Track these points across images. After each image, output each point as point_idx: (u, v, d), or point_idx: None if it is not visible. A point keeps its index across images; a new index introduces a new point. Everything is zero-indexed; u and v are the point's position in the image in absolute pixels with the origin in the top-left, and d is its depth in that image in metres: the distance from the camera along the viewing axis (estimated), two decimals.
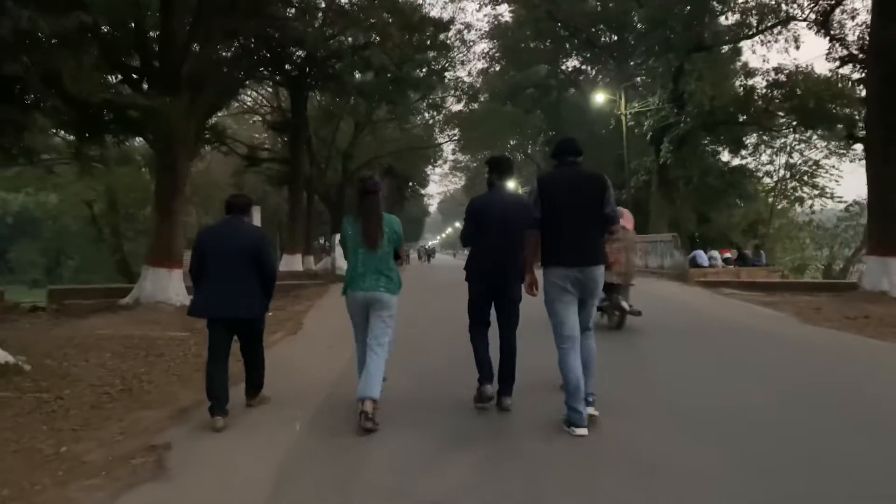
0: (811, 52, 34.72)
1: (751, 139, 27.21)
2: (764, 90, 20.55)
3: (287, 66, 21.43)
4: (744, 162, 27.63)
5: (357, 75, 21.16)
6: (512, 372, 4.64)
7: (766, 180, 28.90)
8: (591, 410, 4.13)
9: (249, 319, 4.74)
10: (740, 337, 7.80)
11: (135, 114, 9.59)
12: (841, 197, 27.30)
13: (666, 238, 17.22)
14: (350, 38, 20.70)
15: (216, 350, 4.69)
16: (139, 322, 10.32)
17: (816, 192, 27.89)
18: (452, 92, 30.71)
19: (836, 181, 27.51)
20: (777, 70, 19.78)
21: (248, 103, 32.46)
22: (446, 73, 24.74)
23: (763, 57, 28.80)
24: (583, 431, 3.97)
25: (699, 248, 20.75)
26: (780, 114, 20.63)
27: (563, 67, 35.69)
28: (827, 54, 16.41)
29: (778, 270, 21.85)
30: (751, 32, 20.30)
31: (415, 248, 62.19)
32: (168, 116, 9.12)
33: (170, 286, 11.38)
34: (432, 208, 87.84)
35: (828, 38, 15.29)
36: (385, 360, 4.50)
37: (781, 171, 29.12)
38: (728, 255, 21.62)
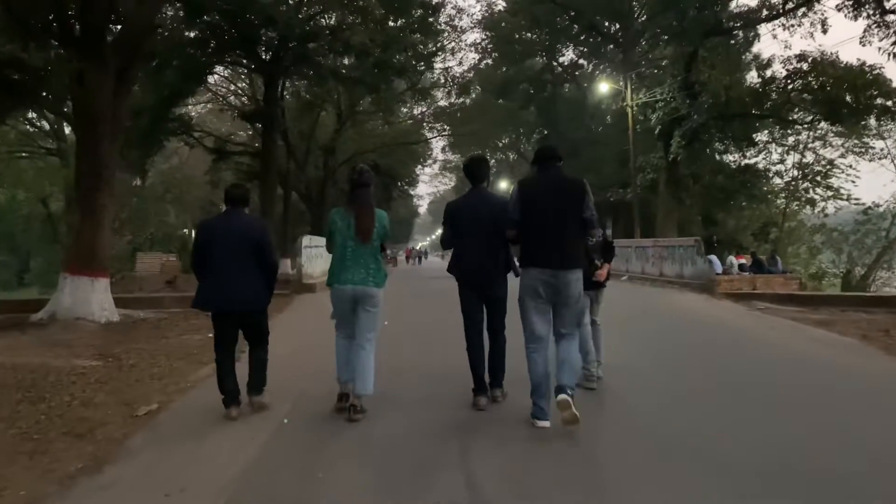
0: (831, 39, 32.82)
1: (761, 136, 25.41)
2: (784, 80, 18.65)
3: (259, 49, 19.40)
4: (753, 161, 25.78)
5: (336, 60, 19.11)
6: (502, 367, 4.77)
7: (777, 180, 27.10)
8: (563, 396, 4.02)
9: (252, 312, 4.66)
10: (821, 379, 5.83)
11: (14, 76, 7.48)
12: (858, 199, 25.57)
13: (686, 243, 15.21)
14: (329, 18, 18.74)
15: (222, 343, 4.68)
16: (46, 345, 8.26)
17: (830, 193, 26.12)
18: (442, 81, 28.64)
19: (853, 182, 25.81)
20: (800, 57, 17.90)
21: (231, 100, 30.36)
22: (435, 60, 22.64)
23: (785, 43, 26.87)
24: (545, 424, 4.11)
25: (713, 253, 18.83)
26: (803, 106, 18.73)
27: (560, 60, 33.88)
28: (863, 36, 14.60)
29: (796, 278, 19.95)
30: (774, 13, 18.38)
31: (402, 250, 59.76)
32: (76, 84, 7.03)
33: (93, 298, 9.29)
34: (422, 209, 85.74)
35: (879, 12, 13.39)
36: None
37: (793, 171, 27.36)
38: (743, 260, 19.77)
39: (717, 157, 23.79)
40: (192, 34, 18.31)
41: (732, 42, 20.61)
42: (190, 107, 37.41)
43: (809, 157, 26.85)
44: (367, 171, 4.71)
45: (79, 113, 8.84)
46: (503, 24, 31.89)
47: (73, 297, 9.21)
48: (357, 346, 4.51)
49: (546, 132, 34.15)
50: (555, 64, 34.20)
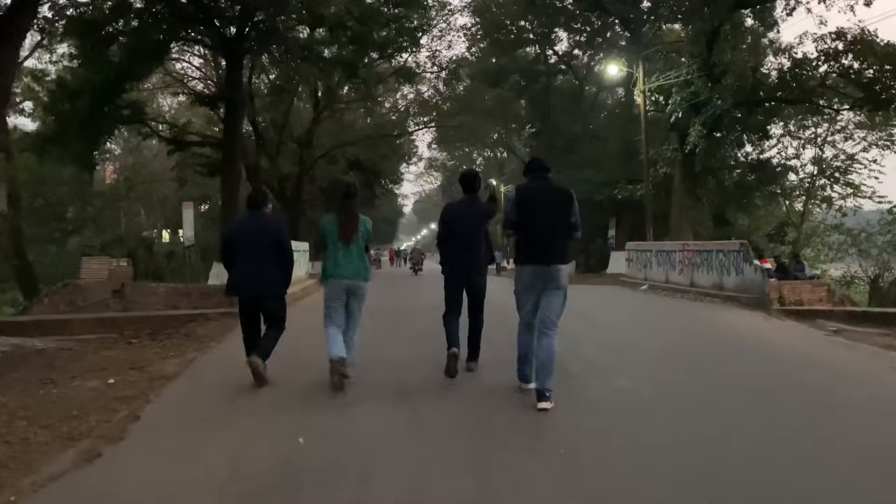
0: (873, 13, 30.56)
1: (775, 129, 23.35)
2: (817, 61, 16.55)
3: (220, 23, 16.93)
4: (768, 155, 23.74)
5: (309, 35, 16.69)
6: (478, 343, 5.87)
7: (792, 176, 25.09)
8: (544, 405, 4.52)
9: (270, 297, 5.51)
10: None
11: None
12: (884, 196, 23.50)
13: (729, 247, 12.86)
14: None
15: (248, 324, 5.57)
16: None
17: (850, 190, 24.15)
18: (429, 66, 26.27)
19: (877, 178, 23.82)
20: (837, 34, 15.80)
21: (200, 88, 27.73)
22: (420, 37, 20.21)
23: (820, 18, 24.49)
24: (530, 386, 4.89)
25: None
26: (839, 90, 16.63)
27: (555, 49, 31.70)
28: None
29: (824, 284, 17.90)
30: None
31: (385, 251, 57.01)
32: None
33: None
34: (407, 209, 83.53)
35: None
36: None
37: (808, 167, 25.35)
38: (768, 265, 17.68)
39: (732, 150, 21.71)
40: (139, 3, 15.84)
41: (757, 22, 18.48)
42: (162, 100, 34.89)
43: (828, 152, 24.85)
44: (354, 184, 6.18)
45: None
46: (494, 9, 29.69)
47: None
48: (347, 328, 5.53)
49: (539, 126, 31.93)
50: (549, 53, 32.04)
